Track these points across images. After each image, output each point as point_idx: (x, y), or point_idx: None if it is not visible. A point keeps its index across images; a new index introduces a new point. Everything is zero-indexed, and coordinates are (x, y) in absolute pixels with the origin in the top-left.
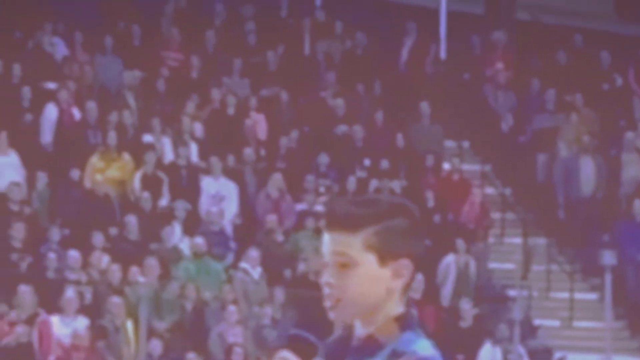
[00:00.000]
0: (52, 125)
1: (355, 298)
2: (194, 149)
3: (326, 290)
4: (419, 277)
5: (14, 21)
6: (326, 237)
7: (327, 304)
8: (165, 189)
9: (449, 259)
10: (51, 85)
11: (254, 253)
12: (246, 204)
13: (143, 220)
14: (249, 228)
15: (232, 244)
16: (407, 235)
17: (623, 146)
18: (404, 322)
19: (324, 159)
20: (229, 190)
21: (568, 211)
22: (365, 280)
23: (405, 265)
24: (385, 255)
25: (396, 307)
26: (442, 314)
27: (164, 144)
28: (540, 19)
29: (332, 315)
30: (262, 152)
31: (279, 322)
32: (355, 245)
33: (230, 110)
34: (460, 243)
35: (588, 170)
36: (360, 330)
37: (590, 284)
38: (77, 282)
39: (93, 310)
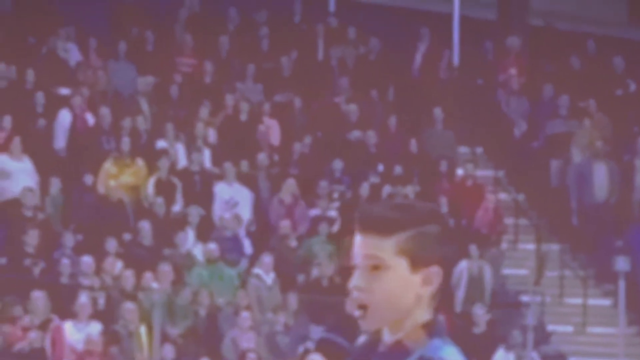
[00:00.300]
0: (66, 130)
1: (385, 302)
2: (207, 154)
3: (354, 294)
4: None
5: (28, 27)
6: (358, 240)
7: (354, 308)
8: (178, 195)
9: (462, 264)
10: (65, 91)
11: (267, 259)
12: (260, 209)
13: (156, 226)
14: (262, 234)
15: (246, 250)
16: (438, 241)
17: (637, 151)
18: (431, 329)
19: (337, 164)
20: (243, 195)
21: (581, 217)
22: (395, 284)
23: (435, 272)
24: (417, 260)
25: (424, 314)
26: (455, 320)
27: (178, 149)
28: (553, 25)
29: (360, 321)
30: (276, 157)
31: (291, 329)
32: (388, 249)
33: (244, 116)
34: (473, 249)
35: (601, 175)
36: (387, 337)
37: (603, 290)
38: (91, 288)
39: (106, 315)
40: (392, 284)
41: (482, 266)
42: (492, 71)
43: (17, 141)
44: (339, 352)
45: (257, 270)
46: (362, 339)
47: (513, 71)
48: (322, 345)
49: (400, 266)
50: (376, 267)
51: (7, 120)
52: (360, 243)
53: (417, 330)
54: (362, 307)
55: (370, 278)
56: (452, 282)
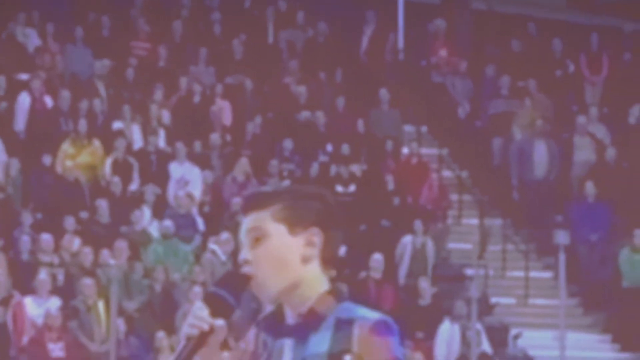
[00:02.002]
0: (25, 113)
1: (271, 266)
2: (162, 135)
3: (245, 268)
4: (378, 256)
5: None
6: (243, 222)
7: (251, 281)
8: (135, 174)
9: (406, 239)
10: (24, 76)
11: (225, 236)
12: (213, 188)
13: (113, 204)
14: (216, 211)
15: (199, 227)
16: (316, 212)
17: (575, 130)
18: (337, 295)
19: (288, 144)
20: (194, 174)
21: (522, 193)
22: (277, 248)
23: (315, 232)
24: (294, 224)
25: (323, 283)
26: (401, 293)
27: (134, 130)
28: (495, 8)
29: (255, 290)
30: (228, 137)
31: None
32: (266, 218)
33: (197, 98)
34: (417, 224)
35: (541, 153)
36: (291, 314)
37: (544, 263)
38: (50, 265)
39: (65, 291)
40: (275, 248)
41: (425, 241)
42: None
43: None
44: (224, 305)
45: (212, 246)
46: (265, 312)
47: (443, 52)
48: (208, 298)
49: (279, 231)
50: (258, 239)
51: None
52: (243, 224)
53: (325, 297)
54: (254, 276)
55: (254, 249)
56: (396, 257)
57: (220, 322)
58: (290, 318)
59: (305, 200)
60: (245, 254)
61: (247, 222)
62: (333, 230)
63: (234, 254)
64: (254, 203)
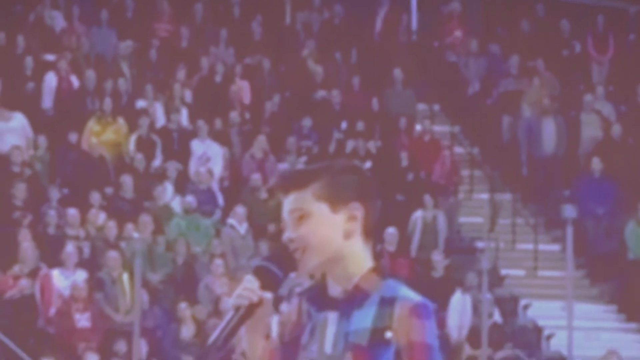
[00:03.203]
0: (52, 92)
1: (316, 244)
2: (184, 113)
3: (290, 246)
4: (392, 230)
5: None
6: (284, 202)
7: (296, 257)
8: (158, 151)
9: (417, 214)
10: (51, 57)
11: (240, 210)
12: (232, 164)
13: (137, 180)
14: (235, 187)
15: (220, 202)
16: (355, 186)
17: (582, 107)
18: (381, 272)
19: (306, 122)
20: (215, 151)
21: (531, 169)
22: (320, 226)
23: (356, 207)
24: (335, 202)
25: (367, 259)
26: (415, 265)
27: (157, 109)
28: None
29: (300, 266)
30: (247, 115)
31: None
32: (307, 198)
33: (218, 78)
34: (427, 199)
35: (549, 130)
36: (335, 288)
37: (552, 236)
38: (76, 238)
39: (91, 264)
40: (317, 226)
41: (436, 215)
42: (446, 34)
43: (6, 102)
44: (272, 279)
45: (231, 220)
46: (308, 284)
47: (458, 33)
48: (257, 271)
49: (320, 210)
50: (300, 218)
51: None
52: (285, 204)
53: (369, 274)
54: (297, 252)
55: (297, 228)
56: (408, 230)
57: (268, 294)
58: (335, 292)
59: (343, 175)
60: (289, 233)
61: (289, 202)
62: (372, 201)
63: (253, 227)
64: (293, 182)
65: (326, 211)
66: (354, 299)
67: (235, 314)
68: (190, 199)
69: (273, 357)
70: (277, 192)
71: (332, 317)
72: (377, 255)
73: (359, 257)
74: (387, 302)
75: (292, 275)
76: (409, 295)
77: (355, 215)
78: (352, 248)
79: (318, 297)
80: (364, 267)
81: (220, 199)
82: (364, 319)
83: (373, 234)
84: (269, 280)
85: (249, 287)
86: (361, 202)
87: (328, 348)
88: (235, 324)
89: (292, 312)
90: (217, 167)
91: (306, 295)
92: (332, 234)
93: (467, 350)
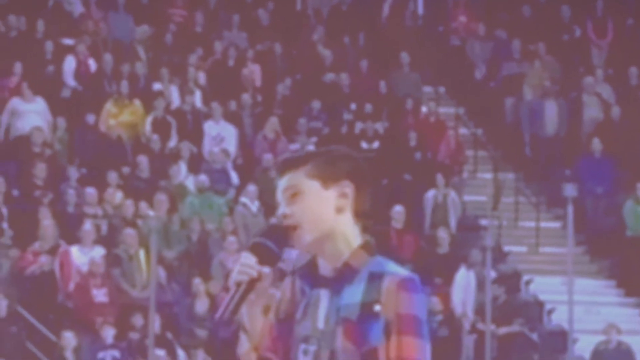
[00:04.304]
0: (71, 75)
1: (307, 218)
2: (198, 95)
3: (284, 222)
4: (399, 208)
5: None
6: (279, 183)
7: (290, 232)
8: (173, 132)
9: (430, 193)
10: (70, 41)
11: (252, 189)
12: (245, 144)
13: (153, 160)
14: (247, 166)
15: (233, 181)
16: (347, 167)
17: (582, 89)
18: (369, 249)
19: (316, 104)
20: (228, 132)
21: (533, 149)
22: (312, 202)
23: (346, 184)
24: (326, 179)
25: (356, 237)
26: (420, 242)
27: (172, 91)
28: None
29: (294, 242)
30: (259, 98)
31: None
32: (300, 177)
33: (230, 61)
34: (439, 178)
35: (551, 111)
36: (325, 266)
37: (554, 214)
38: (94, 216)
39: (108, 241)
40: (310, 202)
41: (447, 193)
42: (451, 19)
43: (25, 85)
44: (268, 254)
45: (243, 199)
46: (301, 262)
47: (463, 18)
48: (254, 247)
49: (313, 187)
50: (294, 195)
51: (18, 67)
52: (279, 184)
53: (358, 252)
54: (291, 228)
55: (291, 204)
56: (425, 209)
57: (266, 269)
58: (326, 270)
59: (336, 158)
60: (283, 209)
61: (283, 181)
62: (363, 183)
63: (265, 206)
64: (288, 165)
65: (318, 188)
66: (343, 276)
67: (237, 289)
68: (203, 178)
69: (271, 332)
70: (275, 175)
71: (324, 294)
72: (383, 233)
73: (349, 235)
74: (375, 277)
75: (295, 251)
76: (397, 270)
77: (346, 193)
78: (343, 225)
79: (310, 276)
80: (353, 245)
81: (234, 178)
82: (354, 294)
83: (363, 215)
84: (265, 256)
85: (247, 263)
86: (352, 181)
87: (320, 323)
88: (239, 299)
89: (286, 290)
90: (231, 147)
91: (299, 273)
92: (323, 209)
93: (472, 324)
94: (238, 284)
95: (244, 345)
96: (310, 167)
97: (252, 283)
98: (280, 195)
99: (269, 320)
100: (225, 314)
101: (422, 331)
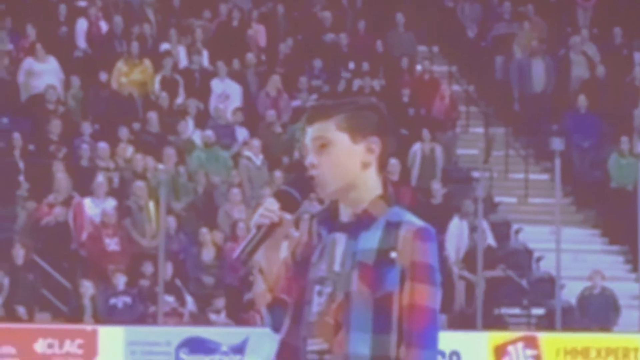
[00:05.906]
0: (84, 36)
1: (334, 169)
2: (205, 55)
3: (312, 171)
4: (394, 161)
5: None
6: (308, 131)
7: (315, 182)
8: (180, 90)
9: (416, 146)
10: (82, 3)
11: (256, 143)
12: (249, 101)
13: (162, 116)
14: (251, 122)
15: (237, 136)
16: (375, 121)
17: (570, 47)
18: (388, 199)
19: (317, 63)
20: (233, 90)
21: (522, 105)
22: (341, 154)
23: (374, 141)
24: (356, 133)
25: (377, 188)
26: (415, 193)
27: (179, 51)
28: None
29: (319, 190)
30: (263, 57)
31: None
32: (330, 128)
33: (235, 22)
34: (425, 132)
35: (539, 69)
36: (346, 212)
37: (542, 167)
38: (106, 169)
39: (120, 193)
40: (339, 153)
41: (433, 147)
42: None
43: (39, 46)
44: (292, 202)
45: (247, 152)
46: (321, 209)
47: None
48: (278, 194)
49: (342, 139)
50: (323, 145)
51: (31, 29)
52: (309, 132)
53: (378, 201)
54: (317, 177)
55: (319, 154)
56: (409, 161)
57: (287, 215)
58: (345, 216)
59: (364, 110)
60: (311, 158)
61: (313, 130)
62: (388, 137)
63: (268, 159)
64: (319, 114)
65: (347, 141)
66: (361, 222)
67: (257, 232)
68: (209, 133)
69: (287, 273)
70: (305, 123)
71: (340, 237)
72: (386, 185)
73: (372, 187)
74: (392, 226)
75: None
76: (413, 220)
77: (373, 149)
78: (367, 178)
79: (329, 220)
80: (374, 195)
81: (239, 133)
82: (371, 240)
83: (386, 166)
84: (288, 203)
85: (270, 207)
86: (379, 136)
87: (337, 266)
88: (258, 241)
89: (303, 233)
90: (236, 104)
91: (318, 218)
92: (350, 162)
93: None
94: (259, 227)
95: (260, 286)
96: (341, 119)
97: (273, 227)
98: (309, 144)
99: (286, 262)
100: (243, 254)
101: (434, 279)
